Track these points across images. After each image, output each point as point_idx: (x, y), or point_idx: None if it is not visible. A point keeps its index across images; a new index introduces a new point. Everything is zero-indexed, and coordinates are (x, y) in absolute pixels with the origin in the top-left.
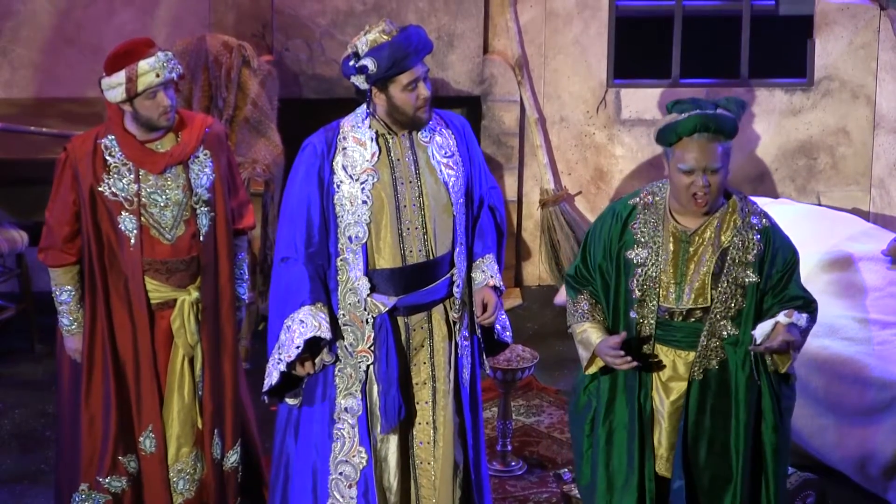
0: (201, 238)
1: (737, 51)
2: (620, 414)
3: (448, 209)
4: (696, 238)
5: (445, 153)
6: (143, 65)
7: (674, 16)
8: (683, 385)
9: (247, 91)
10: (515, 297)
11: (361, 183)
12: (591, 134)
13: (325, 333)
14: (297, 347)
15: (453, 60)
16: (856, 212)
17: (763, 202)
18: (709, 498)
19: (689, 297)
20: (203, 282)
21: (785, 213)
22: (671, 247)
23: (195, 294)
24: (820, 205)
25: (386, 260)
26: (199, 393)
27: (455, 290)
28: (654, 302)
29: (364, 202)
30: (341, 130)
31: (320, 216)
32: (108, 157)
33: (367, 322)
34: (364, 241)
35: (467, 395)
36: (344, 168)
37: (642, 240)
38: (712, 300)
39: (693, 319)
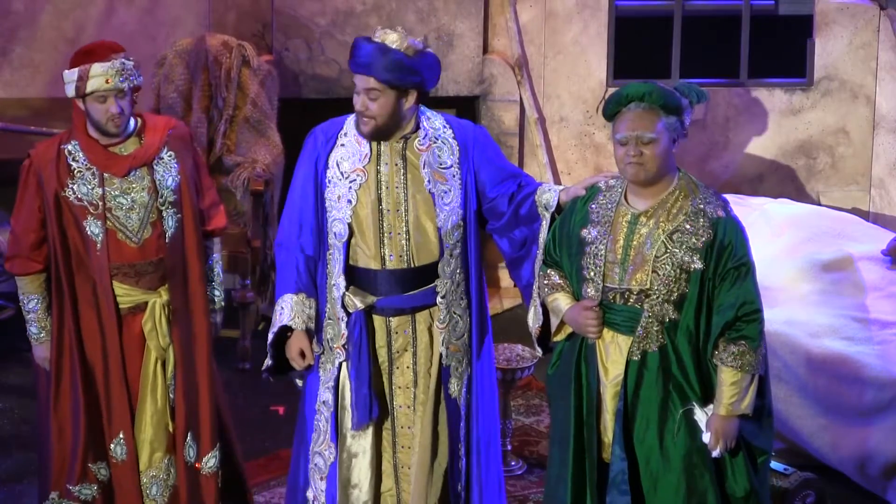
0: (167, 239)
1: (736, 51)
2: (569, 398)
3: (432, 219)
4: (644, 218)
5: (441, 164)
6: (96, 67)
7: (673, 16)
8: (621, 368)
9: (247, 91)
10: (515, 297)
11: (350, 182)
12: (591, 134)
13: (295, 324)
14: (272, 333)
15: (453, 60)
16: (855, 212)
17: (762, 202)
18: (648, 482)
19: (630, 276)
20: (171, 283)
21: (785, 213)
22: (620, 227)
23: (166, 296)
24: (820, 205)
25: (366, 260)
26: (172, 396)
27: (439, 300)
28: (600, 281)
29: (349, 201)
30: (345, 126)
31: (312, 208)
32: (71, 163)
33: (342, 319)
34: (345, 239)
35: (456, 407)
36: (337, 164)
37: (596, 219)
38: (653, 282)
39: (632, 302)
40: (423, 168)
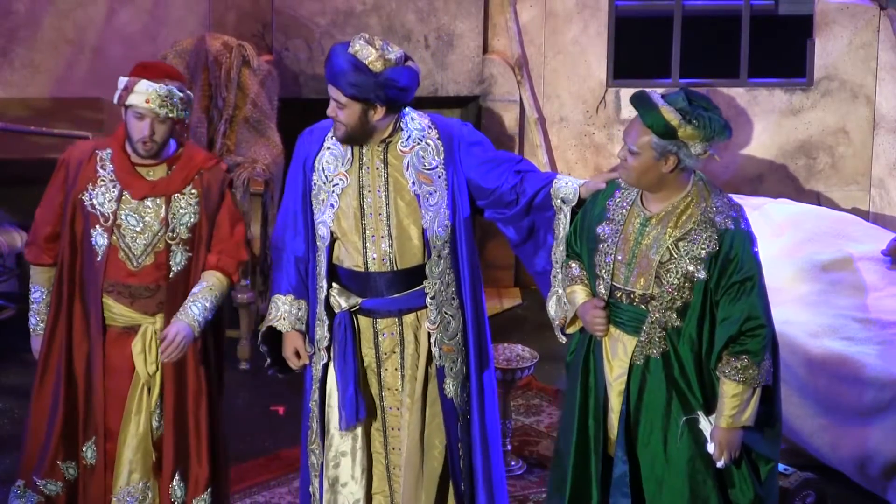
0: (172, 274)
1: (736, 51)
2: (575, 391)
3: (416, 222)
4: (654, 221)
5: (425, 165)
6: (143, 84)
7: (673, 16)
8: (625, 367)
9: (247, 91)
10: (515, 297)
11: (333, 185)
12: (591, 134)
13: (281, 325)
14: (260, 333)
15: (453, 60)
16: (855, 212)
17: (762, 202)
18: (653, 485)
19: (634, 279)
20: (168, 316)
21: (785, 213)
22: (631, 227)
23: (161, 323)
24: (820, 205)
25: (350, 263)
26: (154, 424)
27: (428, 300)
28: (609, 279)
29: (332, 206)
30: (332, 129)
31: (301, 209)
32: (99, 169)
33: (325, 321)
34: (328, 241)
35: (453, 407)
36: (323, 168)
37: (611, 216)
38: (655, 288)
39: (637, 303)
40: (407, 170)
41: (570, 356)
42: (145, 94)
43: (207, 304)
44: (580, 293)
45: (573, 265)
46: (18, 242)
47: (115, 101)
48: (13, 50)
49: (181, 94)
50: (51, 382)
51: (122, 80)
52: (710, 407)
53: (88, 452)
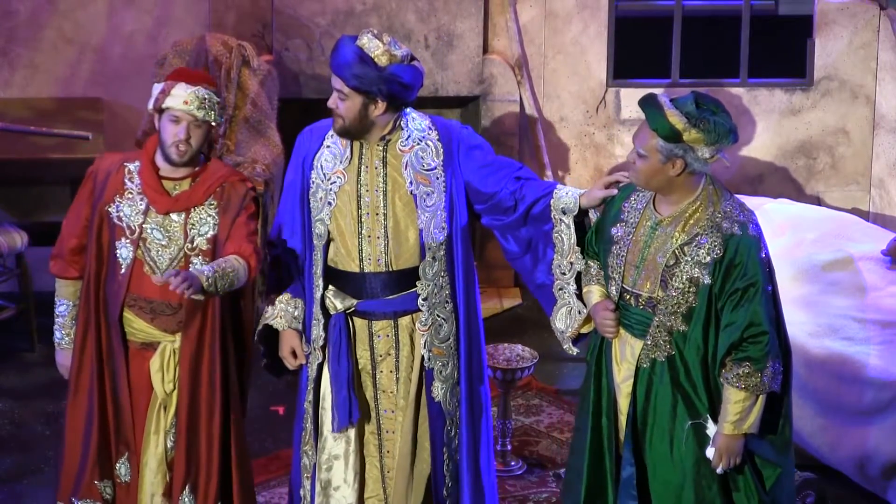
0: None
1: (736, 51)
2: (589, 392)
3: (413, 223)
4: (663, 225)
5: (424, 166)
6: (180, 86)
7: (673, 16)
8: (632, 370)
9: (246, 91)
10: (515, 297)
11: (331, 184)
12: (591, 134)
13: (278, 324)
14: (257, 331)
15: (453, 60)
16: (855, 212)
17: (762, 202)
18: (659, 488)
19: (641, 282)
20: (185, 332)
21: (785, 213)
22: (642, 230)
23: (179, 342)
24: (820, 205)
25: (345, 263)
26: (169, 444)
27: (421, 301)
28: (620, 281)
29: (329, 203)
30: (332, 128)
31: (299, 208)
32: (127, 182)
33: (320, 320)
34: (325, 240)
35: (440, 411)
36: (321, 166)
37: (625, 218)
38: (660, 292)
39: (643, 306)
40: (405, 169)
41: (589, 355)
42: (183, 96)
43: (215, 266)
44: (595, 293)
45: (592, 265)
46: (18, 242)
47: (151, 106)
48: (13, 50)
49: (217, 99)
50: (84, 400)
51: (158, 86)
52: (716, 412)
53: (122, 469)
